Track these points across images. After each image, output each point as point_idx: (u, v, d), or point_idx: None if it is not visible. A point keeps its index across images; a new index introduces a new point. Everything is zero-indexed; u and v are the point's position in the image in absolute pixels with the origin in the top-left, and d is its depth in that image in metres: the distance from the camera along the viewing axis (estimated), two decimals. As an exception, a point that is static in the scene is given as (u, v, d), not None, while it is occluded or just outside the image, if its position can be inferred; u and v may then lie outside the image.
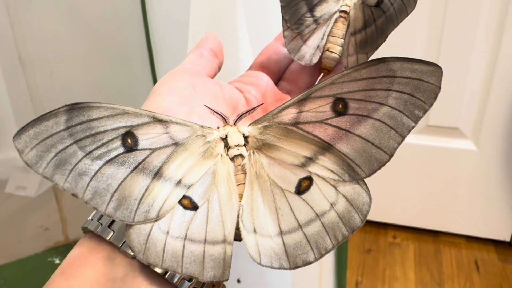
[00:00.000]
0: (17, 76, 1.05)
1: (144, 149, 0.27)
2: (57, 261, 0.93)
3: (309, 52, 0.38)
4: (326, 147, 0.28)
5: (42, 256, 0.96)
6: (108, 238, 0.28)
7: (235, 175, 0.28)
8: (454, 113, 1.12)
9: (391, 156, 0.27)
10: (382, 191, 1.23)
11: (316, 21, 0.38)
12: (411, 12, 0.34)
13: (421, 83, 0.26)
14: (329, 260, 0.82)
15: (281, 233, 0.27)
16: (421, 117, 0.26)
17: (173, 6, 0.81)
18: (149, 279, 0.27)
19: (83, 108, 0.25)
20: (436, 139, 1.16)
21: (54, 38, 1.01)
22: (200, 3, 0.62)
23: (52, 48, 1.02)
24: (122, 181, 0.26)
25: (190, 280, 0.28)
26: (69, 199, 1.02)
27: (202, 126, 0.28)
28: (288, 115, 0.28)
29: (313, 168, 0.28)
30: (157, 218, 0.26)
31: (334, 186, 0.28)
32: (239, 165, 0.29)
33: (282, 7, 0.37)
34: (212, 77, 0.35)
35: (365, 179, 0.28)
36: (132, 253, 0.27)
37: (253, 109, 0.30)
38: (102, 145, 0.26)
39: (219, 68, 0.36)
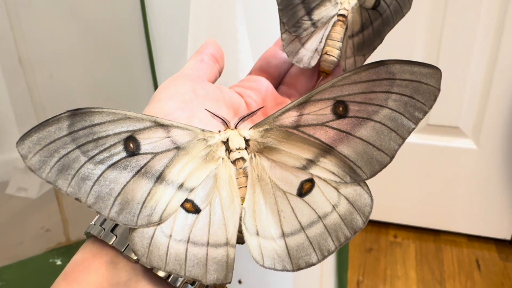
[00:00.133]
0: (17, 77, 1.05)
1: (146, 153, 0.27)
2: (59, 262, 0.94)
3: (307, 55, 0.38)
4: (327, 150, 0.28)
5: (44, 258, 0.97)
6: (111, 243, 0.28)
7: (237, 178, 0.29)
8: (454, 112, 1.12)
9: (392, 158, 0.27)
10: (383, 190, 1.23)
11: (314, 24, 0.38)
12: (406, 13, 0.34)
13: (420, 85, 0.26)
14: (330, 259, 0.82)
15: (283, 235, 0.28)
16: (421, 119, 0.27)
17: (172, 6, 0.81)
18: (152, 283, 0.28)
19: (85, 114, 0.25)
20: (437, 138, 1.16)
21: (54, 39, 1.01)
22: (200, 3, 0.62)
23: (52, 49, 1.02)
24: (125, 185, 0.26)
25: (193, 283, 0.29)
26: (70, 201, 1.02)
27: (203, 130, 0.28)
28: (289, 118, 0.28)
29: (315, 171, 0.28)
30: (160, 222, 0.26)
31: (335, 188, 0.28)
32: (240, 168, 0.29)
33: (279, 10, 0.37)
34: (213, 82, 0.36)
35: (366, 180, 0.28)
36: (135, 257, 0.27)
37: (254, 112, 0.30)
38: (105, 149, 0.26)
39: (220, 73, 0.37)
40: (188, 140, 0.28)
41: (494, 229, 1.20)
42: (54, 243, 1.01)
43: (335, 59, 0.38)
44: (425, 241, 1.22)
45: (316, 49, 0.38)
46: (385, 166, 0.27)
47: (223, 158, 0.29)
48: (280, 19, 0.37)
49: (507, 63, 1.03)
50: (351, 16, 0.38)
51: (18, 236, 1.04)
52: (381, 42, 0.36)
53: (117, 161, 0.26)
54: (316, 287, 0.76)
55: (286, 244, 0.27)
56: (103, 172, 0.26)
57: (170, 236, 0.26)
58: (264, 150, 0.29)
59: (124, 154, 0.26)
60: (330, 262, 0.82)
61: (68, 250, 0.99)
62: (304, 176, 0.28)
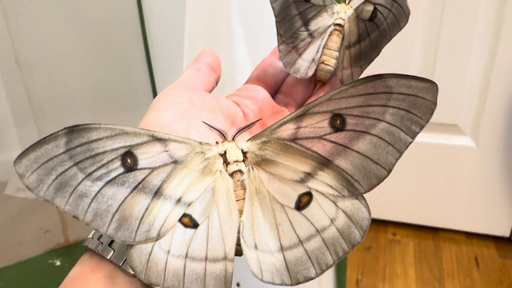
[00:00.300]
0: (15, 78, 1.05)
1: (144, 169, 0.27)
2: (58, 263, 0.94)
3: (304, 65, 0.38)
4: (325, 163, 0.28)
5: (43, 258, 0.96)
6: (108, 257, 0.28)
7: (235, 190, 0.29)
8: (453, 110, 1.12)
9: (389, 171, 0.27)
10: (382, 188, 1.22)
11: (311, 34, 0.38)
12: (403, 26, 0.34)
13: (417, 99, 0.26)
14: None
15: (282, 249, 0.28)
16: (418, 133, 0.27)
17: (170, 7, 0.81)
18: None
19: (82, 130, 0.25)
20: (435, 136, 1.16)
21: (51, 40, 1.01)
22: (196, 6, 0.62)
23: (50, 50, 1.01)
24: (123, 202, 0.26)
25: None
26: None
27: (201, 143, 0.28)
28: (287, 130, 0.28)
29: (313, 184, 0.28)
30: (158, 237, 0.26)
31: (333, 202, 0.28)
32: (238, 180, 0.29)
33: (276, 22, 0.37)
34: (210, 91, 0.36)
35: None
36: (133, 272, 0.27)
37: (252, 124, 0.30)
38: (102, 166, 0.26)
39: (217, 82, 0.37)
40: (185, 153, 0.28)
41: (492, 226, 1.20)
42: (53, 243, 1.01)
43: (332, 68, 0.38)
44: (424, 239, 1.23)
45: (313, 59, 0.38)
46: (382, 180, 0.27)
47: (220, 171, 0.29)
48: (277, 31, 0.37)
49: (506, 60, 1.03)
50: (348, 26, 0.38)
51: (17, 236, 1.04)
52: (378, 54, 0.36)
53: (115, 177, 0.26)
54: (315, 287, 0.77)
55: (284, 258, 0.27)
56: (100, 189, 0.26)
57: (168, 251, 0.26)
58: (262, 162, 0.29)
59: (121, 170, 0.26)
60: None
61: (67, 251, 0.99)
62: (302, 189, 0.28)
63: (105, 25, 0.98)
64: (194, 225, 0.27)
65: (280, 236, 0.28)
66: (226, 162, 0.29)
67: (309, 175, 0.28)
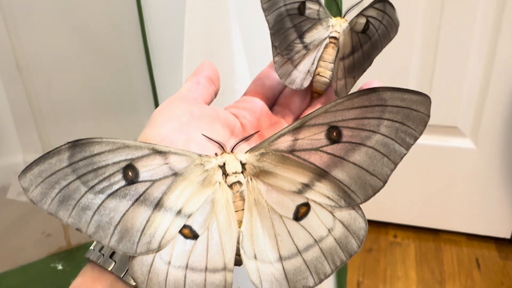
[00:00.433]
0: (16, 84, 1.06)
1: (145, 181, 0.27)
2: (60, 267, 0.94)
3: (300, 76, 0.39)
4: (322, 174, 0.28)
5: (45, 262, 0.97)
6: (109, 269, 0.29)
7: (234, 201, 0.29)
8: (452, 112, 1.12)
9: (384, 182, 0.28)
10: (382, 190, 1.23)
11: (306, 47, 0.39)
12: (393, 37, 0.35)
13: (411, 112, 0.27)
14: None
15: (281, 259, 0.28)
16: (412, 145, 0.27)
17: (169, 15, 0.81)
18: None
19: (85, 144, 0.26)
20: (435, 138, 1.17)
21: (52, 46, 1.01)
22: (195, 15, 0.63)
23: (50, 56, 1.02)
24: (124, 214, 0.27)
25: None
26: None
27: (200, 155, 0.29)
28: (284, 142, 0.29)
29: (310, 195, 0.29)
30: (159, 249, 0.27)
31: (331, 212, 0.28)
32: (237, 191, 0.29)
33: (271, 34, 0.38)
34: (209, 104, 0.36)
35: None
36: (134, 283, 0.28)
37: (250, 136, 0.30)
38: (104, 179, 0.26)
39: (216, 95, 0.37)
40: (185, 165, 0.29)
41: (493, 228, 1.21)
42: (55, 247, 1.01)
43: (327, 80, 0.39)
44: (425, 241, 1.23)
45: (308, 71, 0.39)
46: (378, 191, 0.28)
47: (220, 183, 0.29)
48: (272, 43, 0.38)
49: (505, 62, 1.03)
50: (342, 39, 0.39)
51: (19, 241, 1.04)
52: (370, 65, 0.36)
53: (117, 190, 0.27)
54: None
55: (283, 268, 0.28)
56: (103, 202, 0.26)
57: (169, 262, 0.27)
58: (260, 174, 0.30)
59: (123, 182, 0.27)
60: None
61: (69, 255, 0.99)
62: (300, 200, 0.29)
63: (105, 31, 0.99)
64: (194, 236, 0.28)
65: (279, 246, 0.28)
66: (225, 174, 0.29)
67: (306, 186, 0.29)
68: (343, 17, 0.40)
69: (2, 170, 1.14)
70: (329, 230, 0.28)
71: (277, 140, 0.29)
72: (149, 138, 0.31)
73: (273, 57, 0.38)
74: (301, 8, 0.38)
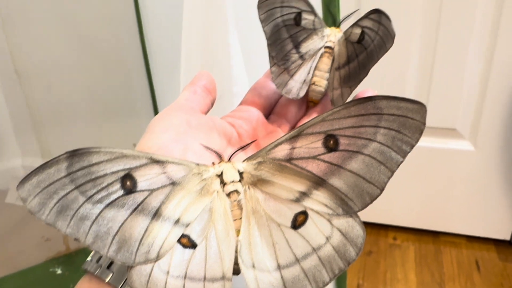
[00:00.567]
0: (15, 88, 1.06)
1: (143, 191, 0.27)
2: (59, 272, 0.94)
3: (296, 86, 0.39)
4: (319, 182, 0.29)
5: (44, 267, 0.97)
6: (107, 280, 0.29)
7: (232, 210, 0.29)
8: (452, 114, 1.12)
9: (382, 190, 0.28)
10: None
11: (302, 56, 0.39)
12: (389, 48, 0.35)
13: (407, 120, 0.27)
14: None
15: (279, 267, 0.28)
16: (408, 152, 0.27)
17: (167, 19, 0.81)
18: None
19: (83, 154, 0.26)
20: (434, 140, 1.17)
21: (50, 50, 1.02)
22: (192, 19, 0.63)
23: (49, 60, 1.02)
24: (123, 224, 0.27)
25: None
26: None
27: (198, 164, 0.29)
28: (282, 151, 0.29)
29: (308, 203, 0.29)
30: (157, 258, 0.27)
31: (328, 220, 0.28)
32: (235, 200, 0.29)
33: (268, 45, 0.38)
34: (206, 113, 0.36)
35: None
36: (132, 294, 0.28)
37: (247, 145, 0.31)
38: (102, 189, 0.26)
39: (212, 104, 0.37)
40: (183, 175, 0.29)
41: (493, 229, 1.21)
42: (54, 252, 1.01)
43: (323, 89, 0.39)
44: (425, 243, 1.23)
45: (304, 80, 0.39)
46: (375, 198, 0.28)
47: (217, 192, 0.29)
48: (269, 53, 0.38)
49: (503, 63, 1.03)
50: (338, 49, 0.39)
51: (18, 245, 1.04)
52: (366, 75, 0.36)
53: (115, 200, 0.27)
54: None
55: (282, 277, 0.28)
56: (101, 211, 0.26)
57: (168, 272, 0.27)
58: (258, 182, 0.30)
59: (121, 192, 0.27)
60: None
61: (68, 259, 0.99)
62: (297, 209, 0.29)
63: (103, 35, 0.99)
64: (192, 245, 0.28)
65: (277, 255, 0.28)
66: (223, 183, 0.29)
67: (304, 195, 0.29)
68: (338, 27, 0.40)
69: (1, 174, 1.15)
70: (327, 238, 0.28)
71: (274, 149, 0.29)
72: (147, 147, 0.31)
73: (270, 67, 0.39)
74: (297, 19, 0.39)
